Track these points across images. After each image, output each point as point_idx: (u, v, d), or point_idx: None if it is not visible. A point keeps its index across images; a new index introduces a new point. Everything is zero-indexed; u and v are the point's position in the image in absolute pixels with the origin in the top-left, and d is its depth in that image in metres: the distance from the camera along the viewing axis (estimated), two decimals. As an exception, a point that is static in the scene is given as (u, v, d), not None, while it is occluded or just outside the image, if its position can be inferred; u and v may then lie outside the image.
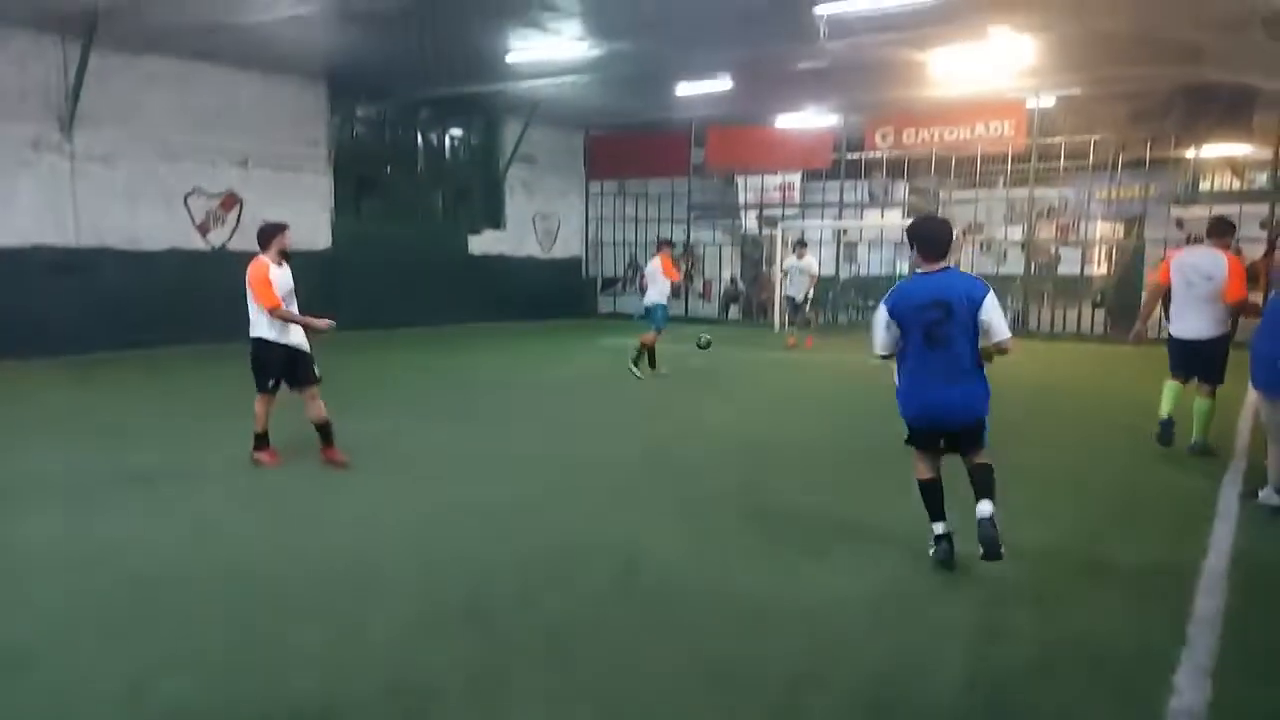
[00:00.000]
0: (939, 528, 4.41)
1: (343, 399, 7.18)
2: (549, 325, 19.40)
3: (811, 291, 15.19)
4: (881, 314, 4.39)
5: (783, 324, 16.51)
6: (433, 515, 5.36)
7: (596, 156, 21.94)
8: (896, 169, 19.87)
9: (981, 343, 4.27)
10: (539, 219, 21.35)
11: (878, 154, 18.81)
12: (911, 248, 4.44)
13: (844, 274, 20.29)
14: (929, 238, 4.40)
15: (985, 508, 4.18)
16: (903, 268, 22.22)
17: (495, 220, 20.30)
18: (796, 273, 15.15)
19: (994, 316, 4.21)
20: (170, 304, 13.65)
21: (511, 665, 3.40)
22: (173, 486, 5.93)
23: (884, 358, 4.53)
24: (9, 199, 12.47)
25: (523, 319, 19.42)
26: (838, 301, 20.28)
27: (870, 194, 20.00)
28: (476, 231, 19.81)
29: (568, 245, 22.25)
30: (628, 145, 21.01)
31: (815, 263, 15.50)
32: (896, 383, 4.48)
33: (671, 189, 20.98)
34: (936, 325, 4.21)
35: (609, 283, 22.65)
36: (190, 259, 14.26)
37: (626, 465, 6.75)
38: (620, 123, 20.43)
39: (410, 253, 17.86)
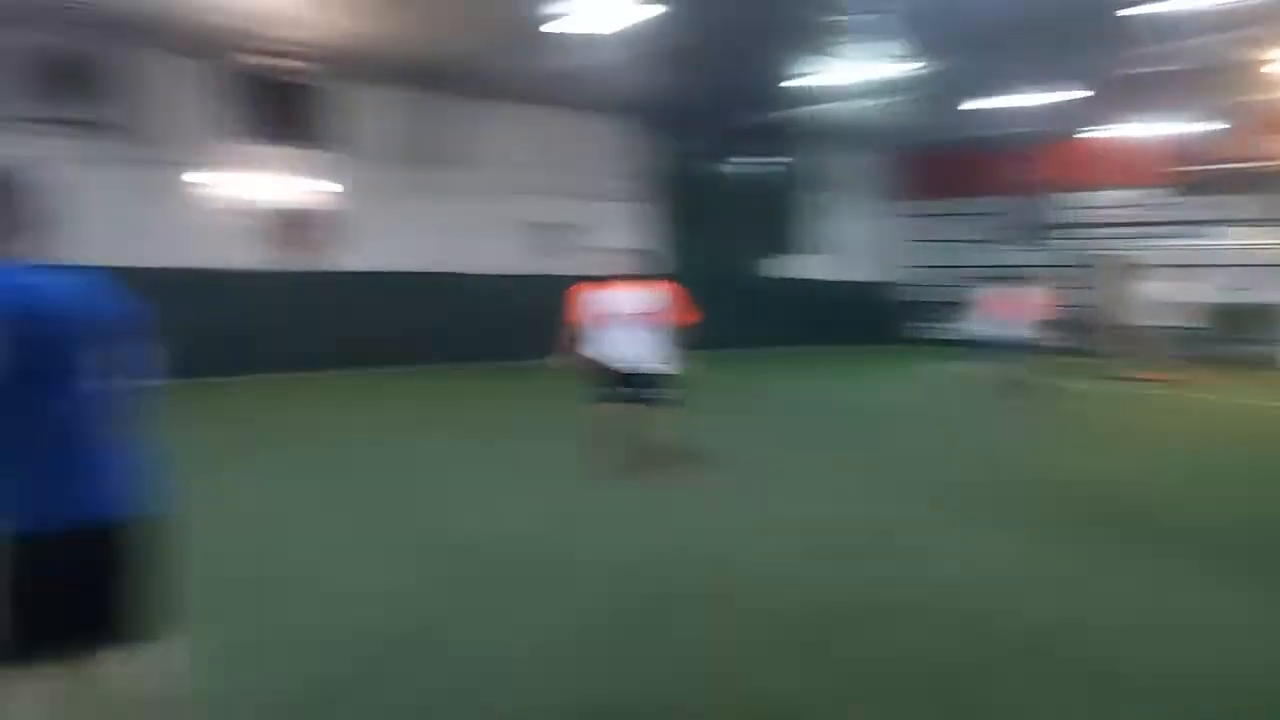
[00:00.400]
0: None
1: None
2: (853, 350, 19.00)
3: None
4: None
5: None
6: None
7: (907, 177, 21.22)
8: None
9: None
10: (842, 243, 21.02)
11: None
12: None
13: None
14: None
15: None
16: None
17: (799, 245, 20.28)
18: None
19: None
20: (511, 323, 15.14)
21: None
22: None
23: None
24: (385, 231, 14.48)
25: (825, 343, 19.22)
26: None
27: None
28: (779, 256, 19.91)
29: (874, 268, 21.69)
30: (942, 165, 20.11)
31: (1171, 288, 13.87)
32: None
33: (994, 209, 19.73)
34: None
35: (917, 307, 21.75)
36: (520, 283, 15.71)
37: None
38: (933, 141, 19.61)
39: (717, 278, 18.30)
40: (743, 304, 18.70)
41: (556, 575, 4.73)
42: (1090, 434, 9.43)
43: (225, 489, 6.30)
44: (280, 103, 13.52)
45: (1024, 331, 9.89)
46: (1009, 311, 10.04)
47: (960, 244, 20.49)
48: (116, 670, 2.24)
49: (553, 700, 3.33)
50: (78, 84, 11.70)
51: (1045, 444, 8.81)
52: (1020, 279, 9.80)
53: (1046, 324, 10.21)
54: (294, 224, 13.79)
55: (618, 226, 16.50)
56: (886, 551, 5.23)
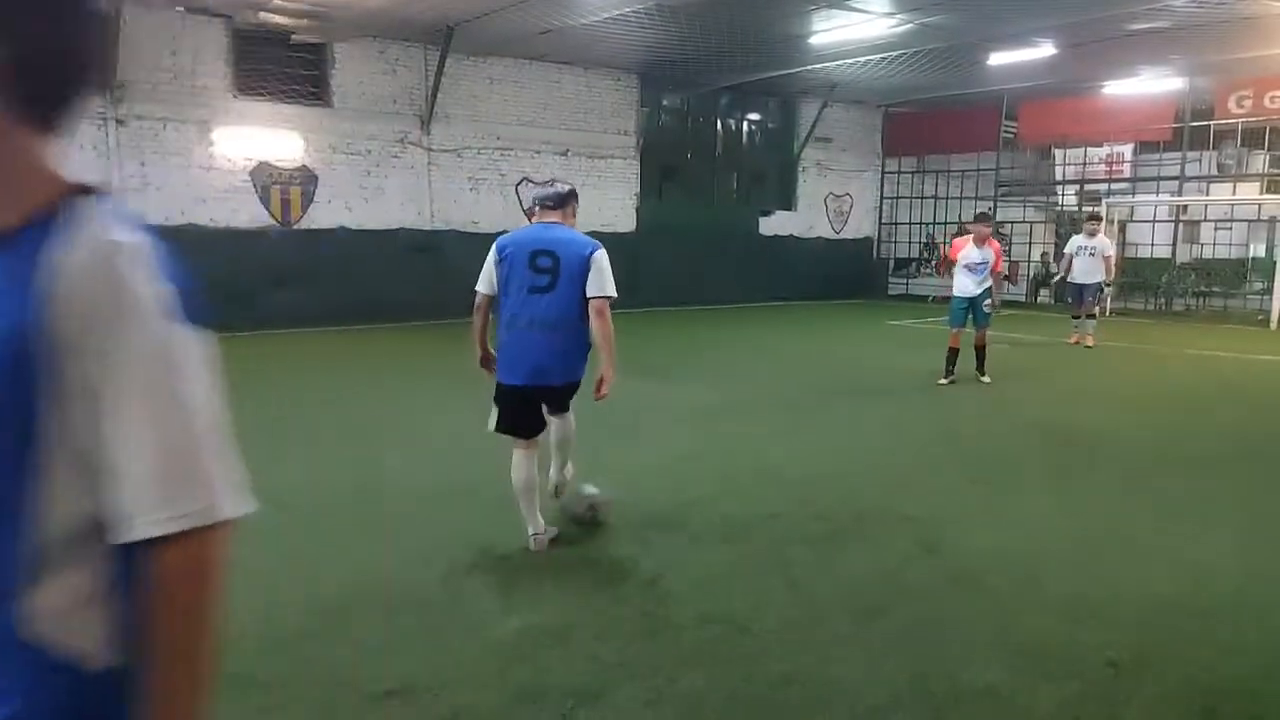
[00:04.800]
0: None
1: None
2: (837, 305, 19.32)
3: (1107, 278, 12.82)
4: None
5: (1078, 316, 12.96)
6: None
7: (896, 134, 21.39)
8: (1255, 138, 17.49)
9: None
10: (831, 199, 21.22)
11: (1231, 121, 16.67)
12: None
13: (1182, 256, 18.24)
14: None
15: None
16: (1258, 250, 19.64)
17: (787, 201, 20.47)
18: (1086, 254, 12.52)
19: None
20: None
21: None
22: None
23: None
24: (381, 188, 14.58)
25: (811, 299, 19.54)
26: (1174, 287, 18.29)
27: (1219, 166, 17.77)
28: (768, 213, 20.10)
29: (860, 226, 21.92)
30: (931, 121, 20.27)
31: (1111, 243, 13.20)
32: None
33: (977, 165, 19.97)
34: None
35: (901, 264, 22.07)
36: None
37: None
38: (923, 98, 19.75)
39: (705, 235, 18.52)
40: (734, 261, 18.94)
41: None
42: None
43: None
44: (281, 60, 13.52)
45: (982, 285, 9.34)
46: (968, 261, 9.39)
47: (945, 200, 20.75)
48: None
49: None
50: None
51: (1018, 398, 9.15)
52: (977, 229, 9.45)
53: (1000, 276, 9.65)
54: (290, 181, 13.85)
55: (602, 185, 16.64)
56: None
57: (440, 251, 15.00)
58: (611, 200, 16.88)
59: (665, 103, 18.55)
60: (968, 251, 9.33)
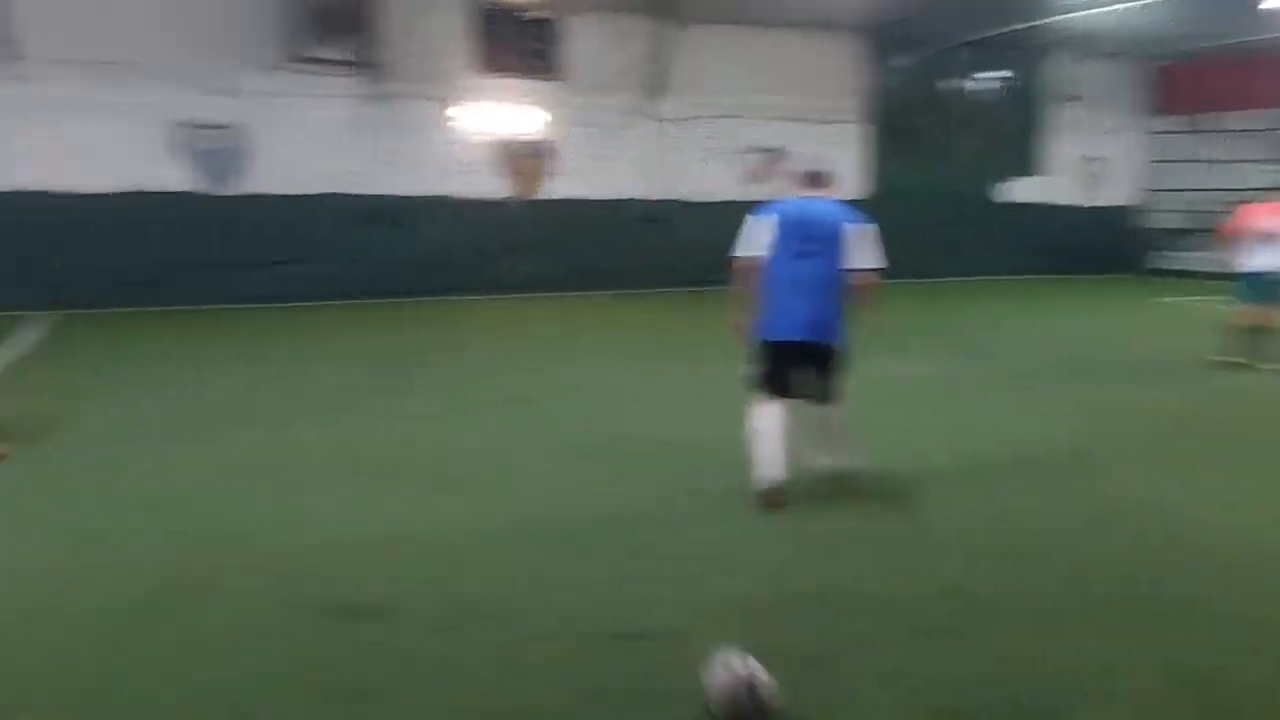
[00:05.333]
0: None
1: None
2: (1092, 280, 17.70)
3: None
4: None
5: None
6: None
7: (1162, 90, 19.14)
8: None
9: None
10: (1083, 163, 19.37)
11: None
12: None
13: None
14: None
15: None
16: None
17: (1034, 166, 18.91)
18: None
19: None
20: (724, 250, 15.24)
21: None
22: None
23: None
24: (612, 159, 14.96)
25: (1058, 272, 18.05)
26: None
27: None
28: (1012, 178, 18.68)
29: (1117, 192, 19.89)
30: (1204, 75, 17.93)
31: None
32: None
33: (1265, 124, 17.48)
34: None
35: (1166, 234, 19.80)
36: (741, 209, 15.74)
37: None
38: (1194, 49, 17.51)
39: (939, 203, 17.52)
40: (972, 230, 17.84)
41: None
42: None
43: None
44: (518, 36, 14.16)
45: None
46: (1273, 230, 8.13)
47: (1220, 164, 18.36)
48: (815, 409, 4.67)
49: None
50: (342, 27, 12.81)
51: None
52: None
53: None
54: (528, 154, 14.53)
55: (839, 150, 16.11)
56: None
57: (669, 222, 15.25)
58: (839, 167, 16.32)
59: (896, 63, 17.64)
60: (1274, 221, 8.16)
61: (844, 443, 4.69)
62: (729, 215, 17.12)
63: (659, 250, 15.17)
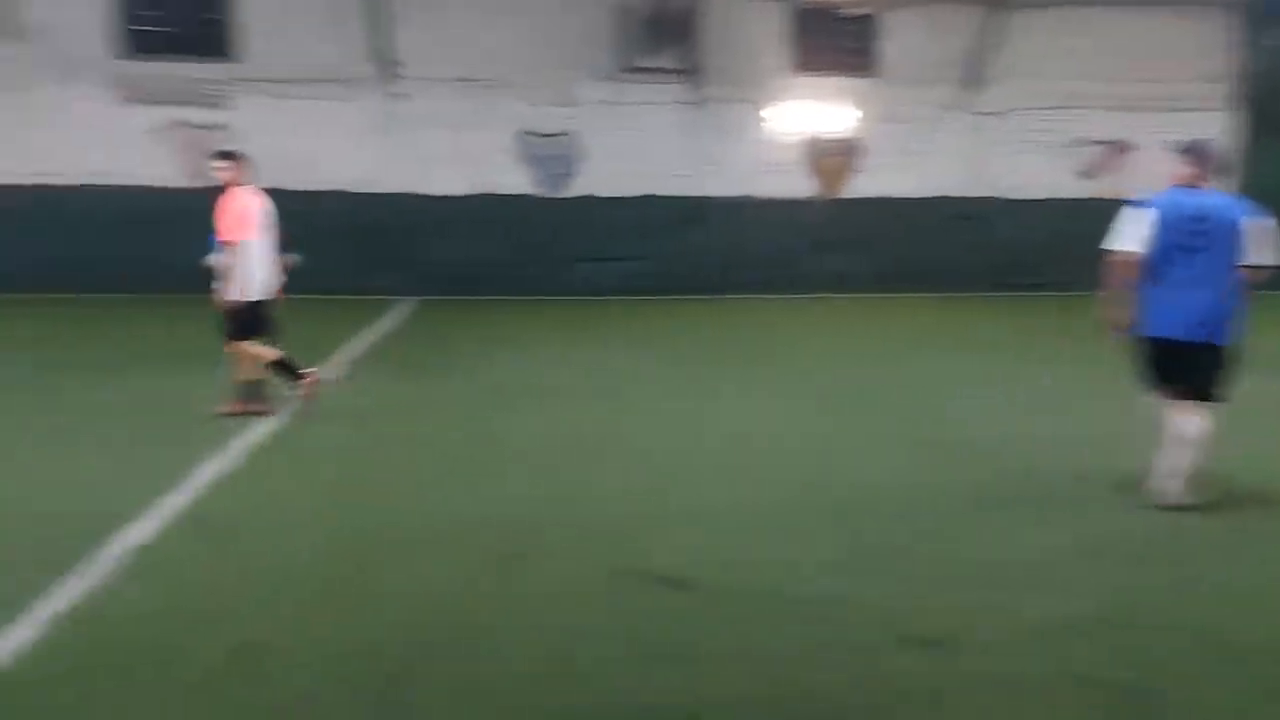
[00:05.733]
0: None
1: None
2: None
3: None
4: None
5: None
6: None
7: None
8: None
9: None
10: None
11: None
12: None
13: None
14: None
15: None
16: None
17: None
18: None
19: None
20: (1046, 250, 14.14)
21: None
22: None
23: None
24: (924, 155, 14.46)
25: None
26: None
27: None
28: None
29: None
30: None
31: None
32: None
33: None
34: None
35: None
36: (1067, 207, 14.49)
37: None
38: None
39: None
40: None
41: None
42: None
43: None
44: (835, 34, 14.16)
45: None
46: None
47: None
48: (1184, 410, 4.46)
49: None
50: (671, 35, 13.57)
51: None
52: None
53: None
54: (836, 152, 14.47)
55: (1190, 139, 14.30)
56: None
57: (986, 220, 14.50)
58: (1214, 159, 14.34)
59: (1270, 42, 15.23)
60: None
61: (1195, 453, 4.39)
62: (1053, 213, 15.98)
63: (974, 249, 14.43)
